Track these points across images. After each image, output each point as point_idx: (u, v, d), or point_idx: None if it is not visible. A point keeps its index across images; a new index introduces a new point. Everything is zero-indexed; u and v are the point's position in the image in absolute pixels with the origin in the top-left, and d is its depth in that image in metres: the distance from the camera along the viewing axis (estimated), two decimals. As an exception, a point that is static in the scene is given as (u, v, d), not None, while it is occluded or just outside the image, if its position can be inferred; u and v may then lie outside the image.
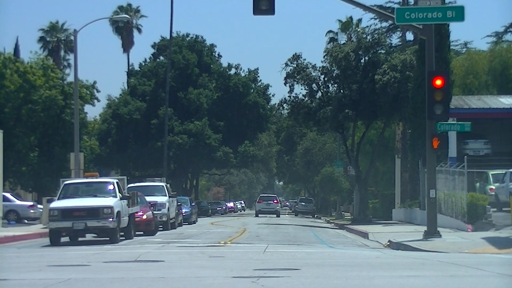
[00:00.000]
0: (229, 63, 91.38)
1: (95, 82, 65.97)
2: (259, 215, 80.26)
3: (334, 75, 57.38)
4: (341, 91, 57.24)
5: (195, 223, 57.12)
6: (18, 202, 51.93)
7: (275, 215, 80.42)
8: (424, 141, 33.64)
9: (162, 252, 24.51)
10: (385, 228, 41.41)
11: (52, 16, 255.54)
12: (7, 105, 58.35)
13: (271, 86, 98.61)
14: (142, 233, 36.85)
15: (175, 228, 45.54)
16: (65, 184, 33.25)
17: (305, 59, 58.80)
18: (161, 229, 43.03)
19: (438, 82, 29.28)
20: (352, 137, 62.12)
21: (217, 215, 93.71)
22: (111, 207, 30.71)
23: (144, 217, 35.64)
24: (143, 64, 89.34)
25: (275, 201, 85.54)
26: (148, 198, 42.08)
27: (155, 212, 42.58)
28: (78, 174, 45.32)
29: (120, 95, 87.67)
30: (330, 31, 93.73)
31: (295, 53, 59.00)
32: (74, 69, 49.16)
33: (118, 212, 31.12)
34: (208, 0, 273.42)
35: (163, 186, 47.30)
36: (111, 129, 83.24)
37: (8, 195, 50.16)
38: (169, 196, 45.61)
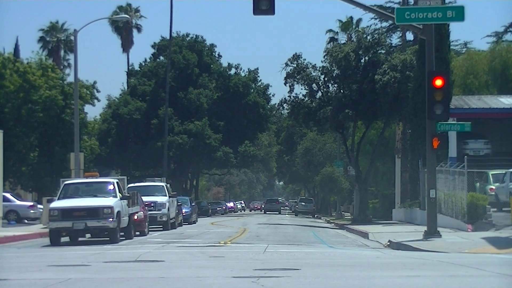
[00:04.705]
0: (229, 63, 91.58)
1: (95, 82, 66.06)
2: (266, 212, 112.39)
3: (334, 75, 57.39)
4: (341, 91, 57.24)
5: (195, 223, 57.14)
6: (18, 202, 51.94)
7: (277, 212, 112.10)
8: (424, 141, 33.64)
9: (162, 252, 24.51)
10: (385, 228, 41.40)
11: (52, 16, 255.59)
12: (7, 105, 58.32)
13: (271, 86, 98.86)
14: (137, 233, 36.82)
15: (175, 228, 45.55)
16: (65, 184, 33.24)
17: (305, 59, 58.92)
18: (161, 229, 43.07)
19: (438, 82, 29.27)
20: (352, 137, 62.13)
21: (217, 215, 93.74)
22: (111, 207, 30.71)
23: (135, 217, 35.56)
24: (143, 64, 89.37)
25: (277, 202, 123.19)
26: (148, 198, 42.10)
27: (155, 212, 42.64)
28: (78, 174, 45.32)
29: (120, 95, 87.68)
30: (330, 31, 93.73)
31: (295, 53, 59.09)
32: (74, 69, 49.20)
33: (118, 212, 31.12)
34: (208, 0, 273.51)
35: (163, 186, 47.30)
36: (111, 129, 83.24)
37: (8, 195, 50.15)
38: (169, 196, 45.62)
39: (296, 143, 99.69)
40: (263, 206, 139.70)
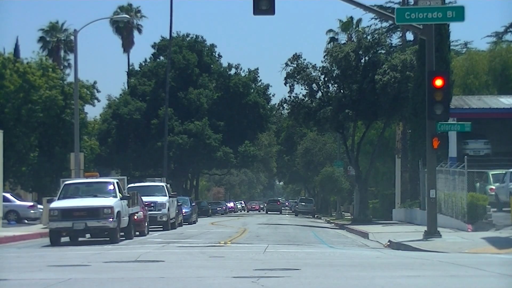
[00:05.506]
0: (229, 63, 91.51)
1: (95, 82, 65.98)
2: (268, 212, 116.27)
3: (334, 75, 57.39)
4: (341, 91, 57.26)
5: (195, 223, 57.14)
6: (18, 202, 51.93)
7: (278, 212, 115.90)
8: (424, 141, 33.64)
9: (162, 252, 24.51)
10: (385, 228, 41.40)
11: (52, 16, 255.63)
12: (7, 105, 58.33)
13: (271, 86, 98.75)
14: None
15: (175, 228, 45.56)
16: (65, 184, 33.25)
17: (305, 59, 58.91)
18: (161, 229, 43.08)
19: (438, 82, 29.26)
20: (352, 137, 62.13)
21: (217, 215, 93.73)
22: (111, 207, 30.71)
23: (135, 217, 35.57)
24: (143, 64, 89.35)
25: (278, 203, 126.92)
26: (148, 198, 42.09)
27: (155, 212, 42.64)
28: (78, 174, 45.32)
29: (120, 95, 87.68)
30: (330, 30, 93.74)
31: (295, 53, 59.08)
32: (74, 69, 49.23)
33: (118, 212, 31.12)
34: (208, 0, 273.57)
35: (163, 186, 47.30)
36: (111, 129, 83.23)
37: (8, 195, 50.15)
38: (169, 196, 45.61)
39: (296, 143, 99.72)
40: (261, 206, 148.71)
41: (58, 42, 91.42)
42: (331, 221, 67.62)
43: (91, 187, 32.87)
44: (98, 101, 68.13)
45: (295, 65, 58.63)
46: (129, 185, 42.03)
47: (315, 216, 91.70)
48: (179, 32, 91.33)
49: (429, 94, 29.32)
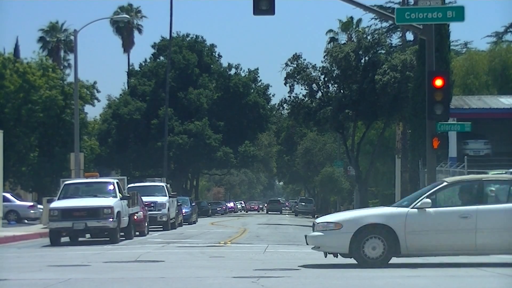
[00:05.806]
0: (229, 63, 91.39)
1: (95, 82, 65.94)
2: (269, 212, 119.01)
3: (334, 75, 57.44)
4: (341, 91, 57.31)
5: (195, 223, 57.16)
6: (18, 202, 51.92)
7: (279, 212, 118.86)
8: (424, 141, 33.60)
9: (162, 252, 24.53)
10: (385, 228, 41.30)
11: (52, 16, 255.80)
12: (7, 105, 58.32)
13: (271, 86, 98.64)
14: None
15: (175, 228, 45.57)
16: (65, 184, 33.24)
17: (305, 59, 58.99)
18: (161, 229, 43.09)
19: (438, 82, 29.23)
20: (352, 137, 62.15)
21: (217, 215, 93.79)
22: (111, 207, 30.70)
23: (135, 217, 35.56)
24: (143, 64, 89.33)
25: (279, 203, 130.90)
26: (148, 198, 42.09)
27: (155, 212, 42.64)
28: (78, 174, 45.30)
29: (120, 95, 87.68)
30: (330, 30, 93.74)
31: (295, 53, 59.16)
32: (74, 69, 49.19)
33: (118, 212, 31.12)
34: (208, 0, 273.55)
35: (163, 186, 47.30)
36: (111, 129, 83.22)
37: (8, 195, 50.13)
38: (169, 196, 45.62)
39: (296, 143, 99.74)
40: (260, 206, 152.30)
41: (58, 42, 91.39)
42: (331, 221, 67.51)
43: (91, 187, 32.87)
44: (98, 101, 68.21)
45: (295, 65, 58.68)
46: (129, 185, 42.01)
47: (315, 216, 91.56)
48: (179, 32, 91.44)
49: (429, 94, 29.28)
